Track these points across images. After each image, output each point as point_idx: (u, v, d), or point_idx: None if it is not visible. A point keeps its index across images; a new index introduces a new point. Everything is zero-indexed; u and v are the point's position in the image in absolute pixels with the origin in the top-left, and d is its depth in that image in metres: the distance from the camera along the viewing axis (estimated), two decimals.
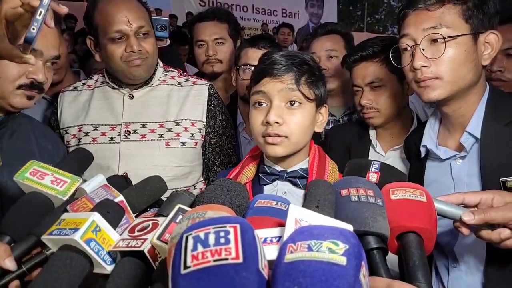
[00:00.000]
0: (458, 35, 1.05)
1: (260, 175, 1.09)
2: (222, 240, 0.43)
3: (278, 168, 1.08)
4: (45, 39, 1.12)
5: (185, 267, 0.42)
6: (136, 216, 0.80)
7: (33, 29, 0.74)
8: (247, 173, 1.11)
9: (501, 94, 1.16)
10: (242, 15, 10.98)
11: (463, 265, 1.12)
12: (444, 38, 1.05)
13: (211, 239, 0.43)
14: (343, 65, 1.67)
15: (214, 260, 0.42)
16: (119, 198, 0.76)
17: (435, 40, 1.07)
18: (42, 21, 0.75)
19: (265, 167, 1.09)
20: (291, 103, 1.01)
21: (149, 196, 0.84)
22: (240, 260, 0.42)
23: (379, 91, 1.47)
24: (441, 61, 1.06)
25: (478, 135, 1.09)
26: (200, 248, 0.43)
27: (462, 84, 1.08)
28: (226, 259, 0.42)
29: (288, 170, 1.07)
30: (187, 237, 0.44)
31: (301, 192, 1.04)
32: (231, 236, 0.44)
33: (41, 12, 0.74)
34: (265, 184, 1.08)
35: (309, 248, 0.44)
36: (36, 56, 1.10)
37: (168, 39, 1.94)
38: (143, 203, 0.83)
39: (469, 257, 1.11)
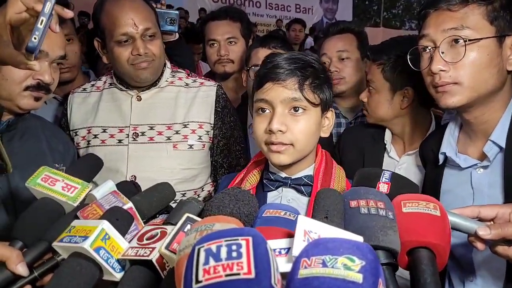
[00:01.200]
0: (481, 38, 1.01)
1: (264, 181, 1.09)
2: (234, 254, 0.44)
3: (283, 174, 1.08)
4: (50, 39, 1.13)
5: (197, 281, 0.43)
6: (145, 223, 0.82)
7: (35, 38, 0.74)
8: (251, 179, 1.11)
9: None
10: (255, 11, 10.99)
11: (480, 279, 1.10)
12: (465, 40, 1.02)
13: (223, 252, 0.44)
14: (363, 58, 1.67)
15: (226, 275, 0.42)
16: (128, 205, 0.78)
17: (456, 42, 1.04)
18: (45, 29, 0.75)
19: (269, 173, 1.09)
20: (295, 109, 1.00)
21: (157, 203, 0.86)
22: (252, 275, 0.42)
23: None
24: (461, 66, 1.04)
25: (503, 144, 1.06)
26: (212, 262, 0.43)
27: (484, 91, 1.05)
28: (238, 274, 0.42)
29: (293, 177, 1.07)
30: (199, 250, 0.45)
31: (305, 200, 1.05)
32: (243, 250, 0.44)
33: (42, 20, 0.74)
34: (269, 191, 1.08)
35: (324, 264, 0.44)
36: (41, 57, 1.12)
37: (177, 33, 1.94)
38: (152, 210, 0.85)
39: (487, 271, 1.09)
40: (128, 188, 0.92)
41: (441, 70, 1.06)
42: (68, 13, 0.84)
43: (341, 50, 1.86)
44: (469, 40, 1.02)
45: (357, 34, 1.91)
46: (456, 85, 1.05)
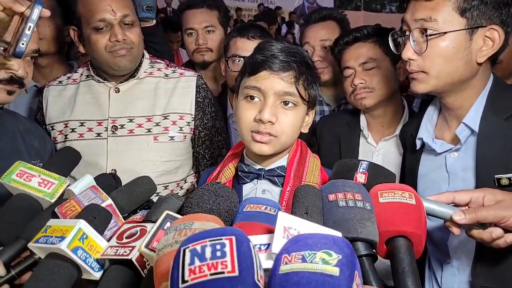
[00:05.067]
0: (445, 32, 1.02)
1: (239, 173, 1.09)
2: (218, 254, 0.45)
3: (257, 166, 1.08)
4: None
5: (183, 281, 0.44)
6: (125, 218, 0.81)
7: (23, 44, 0.76)
8: (226, 173, 1.10)
9: (504, 87, 1.14)
10: None
11: (455, 261, 1.14)
12: (427, 35, 1.03)
13: (208, 252, 0.46)
14: (333, 50, 1.65)
15: (211, 274, 0.44)
16: (108, 201, 0.77)
17: (423, 33, 1.04)
18: (31, 34, 0.77)
19: (244, 166, 1.08)
20: (285, 102, 0.99)
21: (138, 198, 0.85)
22: (236, 273, 0.44)
23: (372, 71, 1.49)
24: (427, 56, 1.05)
25: (476, 128, 1.09)
26: (197, 262, 0.45)
27: (450, 81, 1.07)
28: (222, 272, 0.44)
29: (266, 169, 1.07)
30: (184, 251, 0.46)
31: (278, 190, 1.06)
32: (227, 249, 0.46)
33: (30, 26, 0.76)
34: (244, 183, 1.08)
35: (303, 259, 0.46)
36: None
37: (154, 20, 1.90)
38: (132, 205, 0.84)
39: (462, 253, 1.13)
40: (108, 181, 0.91)
41: (410, 59, 1.08)
42: (46, 12, 0.84)
43: (324, 39, 1.84)
44: (431, 34, 1.02)
45: (340, 22, 1.90)
46: (423, 74, 1.08)
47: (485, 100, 1.10)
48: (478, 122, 1.08)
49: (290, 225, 0.57)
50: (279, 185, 1.05)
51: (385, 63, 1.49)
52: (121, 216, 0.80)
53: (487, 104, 1.09)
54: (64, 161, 0.99)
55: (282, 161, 1.08)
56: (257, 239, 0.59)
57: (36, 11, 0.77)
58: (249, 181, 1.08)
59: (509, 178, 1.02)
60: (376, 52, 1.49)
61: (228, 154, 1.17)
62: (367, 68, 1.49)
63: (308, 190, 0.70)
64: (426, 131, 1.22)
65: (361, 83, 1.48)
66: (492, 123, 1.07)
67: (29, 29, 0.77)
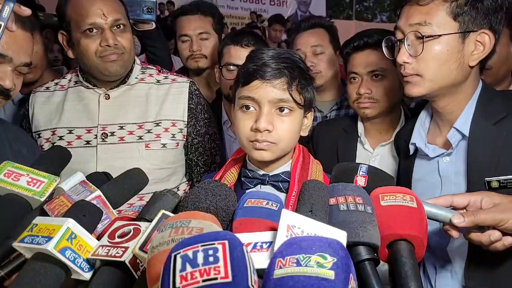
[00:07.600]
0: (440, 35, 1.06)
1: (242, 179, 1.10)
2: (211, 259, 0.45)
3: (261, 172, 1.09)
4: (17, 44, 1.07)
5: None
6: (118, 213, 0.80)
7: None
8: (229, 177, 1.11)
9: (493, 92, 1.19)
10: (230, 3, 10.90)
11: (449, 265, 1.16)
12: (423, 37, 1.06)
13: (200, 258, 0.45)
14: (341, 52, 1.65)
15: (203, 281, 0.43)
16: (96, 193, 0.76)
17: (419, 37, 1.08)
18: (2, 34, 0.75)
19: (247, 171, 1.10)
20: (281, 109, 1.01)
21: (129, 189, 0.84)
22: (229, 279, 0.43)
23: (379, 81, 1.49)
24: (422, 59, 1.09)
25: (466, 133, 1.12)
26: (189, 268, 0.44)
27: (444, 83, 1.10)
28: (215, 278, 0.43)
29: (270, 174, 1.08)
30: (175, 257, 0.46)
31: (283, 196, 1.05)
32: (220, 254, 0.45)
33: (0, 25, 0.74)
34: (247, 189, 1.09)
35: (298, 263, 0.46)
36: (4, 62, 1.09)
37: (154, 23, 1.92)
38: (123, 197, 0.83)
39: (455, 257, 1.15)
40: (100, 178, 0.89)
41: (405, 62, 1.12)
42: (26, 11, 0.82)
43: (315, 45, 1.88)
44: (427, 36, 1.06)
45: (328, 29, 1.95)
46: (418, 77, 1.11)
47: (475, 105, 1.13)
48: (468, 127, 1.12)
49: (294, 223, 0.56)
50: (283, 191, 1.06)
51: (393, 74, 1.47)
52: (112, 208, 0.78)
53: (477, 109, 1.12)
54: (54, 160, 0.97)
55: (285, 166, 1.10)
56: (258, 237, 0.58)
57: (7, 9, 0.74)
58: (252, 186, 1.08)
59: (499, 181, 1.05)
60: (386, 62, 1.46)
61: (229, 159, 1.18)
62: (374, 77, 1.49)
63: (315, 185, 0.69)
64: (419, 136, 1.25)
65: (367, 93, 1.48)
66: (482, 127, 1.11)
67: None
